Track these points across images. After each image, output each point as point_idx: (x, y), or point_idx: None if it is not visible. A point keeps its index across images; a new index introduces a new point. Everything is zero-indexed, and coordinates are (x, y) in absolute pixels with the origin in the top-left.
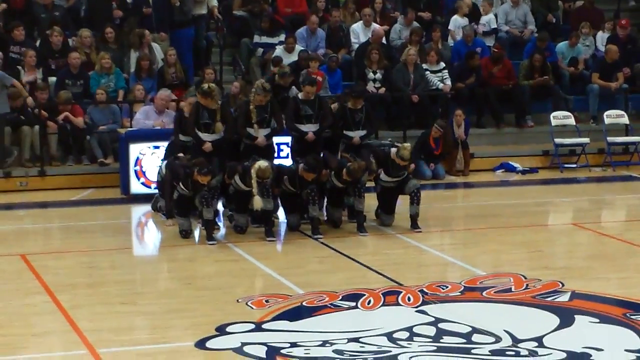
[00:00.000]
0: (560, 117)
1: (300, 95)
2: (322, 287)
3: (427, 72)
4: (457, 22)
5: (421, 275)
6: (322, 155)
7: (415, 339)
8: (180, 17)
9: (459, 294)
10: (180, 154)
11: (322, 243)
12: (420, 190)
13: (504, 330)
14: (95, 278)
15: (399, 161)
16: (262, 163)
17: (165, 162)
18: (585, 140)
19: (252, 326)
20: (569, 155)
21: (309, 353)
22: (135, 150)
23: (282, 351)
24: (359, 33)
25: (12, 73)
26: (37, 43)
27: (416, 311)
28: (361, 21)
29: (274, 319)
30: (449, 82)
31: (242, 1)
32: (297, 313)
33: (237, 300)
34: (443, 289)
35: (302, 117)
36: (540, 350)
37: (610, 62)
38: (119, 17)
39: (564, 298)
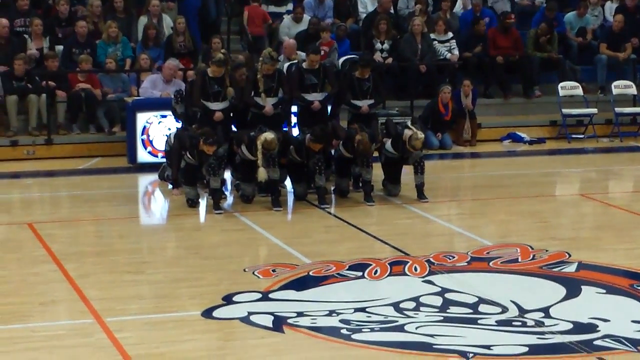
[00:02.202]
0: (568, 88)
1: (304, 64)
2: (329, 257)
3: (435, 42)
4: None
5: (428, 245)
6: (330, 125)
7: (421, 309)
8: None
9: (466, 264)
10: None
11: (328, 213)
12: (423, 159)
13: (511, 301)
14: (102, 247)
15: (409, 148)
16: (269, 135)
17: (173, 131)
18: (593, 110)
19: (259, 295)
20: (577, 125)
21: (315, 322)
22: (142, 119)
23: (289, 320)
24: (366, 2)
25: (19, 42)
26: (44, 10)
27: (423, 281)
28: None
29: (281, 288)
30: (456, 52)
31: None
32: (303, 282)
33: (244, 270)
34: (450, 259)
35: (307, 86)
36: (546, 321)
37: (618, 32)
38: None
39: (571, 269)
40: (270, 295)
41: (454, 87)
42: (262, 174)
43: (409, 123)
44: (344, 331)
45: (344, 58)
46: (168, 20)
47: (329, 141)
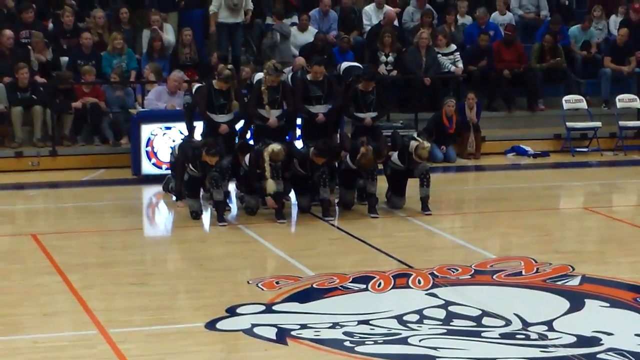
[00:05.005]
0: (572, 101)
1: (308, 76)
2: (333, 269)
3: (439, 55)
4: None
5: (431, 258)
6: (339, 135)
7: (425, 321)
8: None
9: (469, 277)
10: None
11: (332, 225)
12: (429, 172)
13: (514, 314)
14: (106, 258)
15: (415, 158)
16: (275, 146)
17: (177, 143)
18: (597, 124)
19: (263, 307)
20: (581, 139)
21: (319, 335)
22: (147, 130)
23: (292, 333)
24: (371, 15)
25: (22, 52)
26: (50, 22)
27: (426, 294)
28: (373, 3)
29: (285, 300)
30: (460, 64)
31: None
32: (307, 295)
33: (248, 282)
34: (453, 272)
35: (311, 98)
36: (550, 334)
37: (622, 46)
38: None
39: (574, 282)
40: (274, 307)
41: (458, 100)
42: (270, 186)
43: (415, 135)
44: (347, 343)
45: (346, 65)
46: (171, 31)
47: (333, 155)
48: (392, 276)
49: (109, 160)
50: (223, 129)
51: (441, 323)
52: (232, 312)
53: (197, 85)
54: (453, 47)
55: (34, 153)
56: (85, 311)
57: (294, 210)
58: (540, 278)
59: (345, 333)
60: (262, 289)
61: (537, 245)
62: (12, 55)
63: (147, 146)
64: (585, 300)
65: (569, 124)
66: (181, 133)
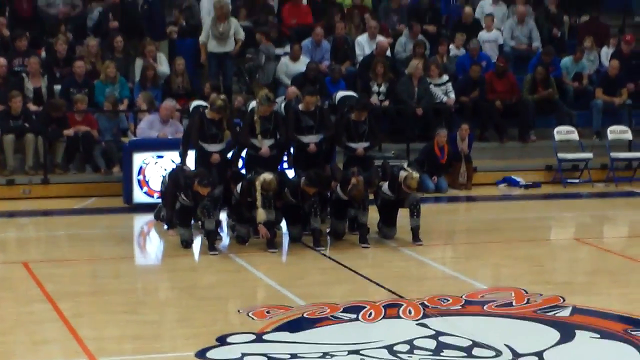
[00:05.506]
0: (564, 132)
1: (300, 106)
2: (323, 299)
3: (431, 85)
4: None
5: (422, 288)
6: (329, 167)
7: (415, 352)
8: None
9: (460, 307)
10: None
11: (323, 255)
12: (420, 202)
13: (505, 345)
14: (97, 287)
15: (404, 188)
16: (267, 175)
17: (168, 171)
18: (589, 155)
19: (253, 337)
20: (572, 170)
21: None
22: (139, 159)
23: None
24: (363, 45)
25: (16, 80)
26: (43, 50)
27: (417, 324)
28: (366, 33)
29: (275, 330)
30: (452, 95)
31: (247, 12)
32: (297, 324)
33: (238, 311)
34: (444, 302)
35: (302, 128)
36: None
37: (614, 78)
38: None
39: (565, 313)
40: (264, 337)
41: (450, 131)
42: (261, 215)
43: (405, 165)
44: None
45: (342, 95)
46: (164, 62)
47: (324, 185)
48: (383, 306)
49: (100, 189)
50: (215, 158)
51: (432, 353)
52: (222, 341)
53: (194, 103)
54: (445, 77)
55: (26, 181)
56: (75, 340)
57: (285, 240)
58: (531, 309)
59: None
60: (253, 318)
61: (528, 276)
62: (5, 83)
63: (139, 175)
64: (576, 331)
65: (561, 155)
66: (173, 162)
